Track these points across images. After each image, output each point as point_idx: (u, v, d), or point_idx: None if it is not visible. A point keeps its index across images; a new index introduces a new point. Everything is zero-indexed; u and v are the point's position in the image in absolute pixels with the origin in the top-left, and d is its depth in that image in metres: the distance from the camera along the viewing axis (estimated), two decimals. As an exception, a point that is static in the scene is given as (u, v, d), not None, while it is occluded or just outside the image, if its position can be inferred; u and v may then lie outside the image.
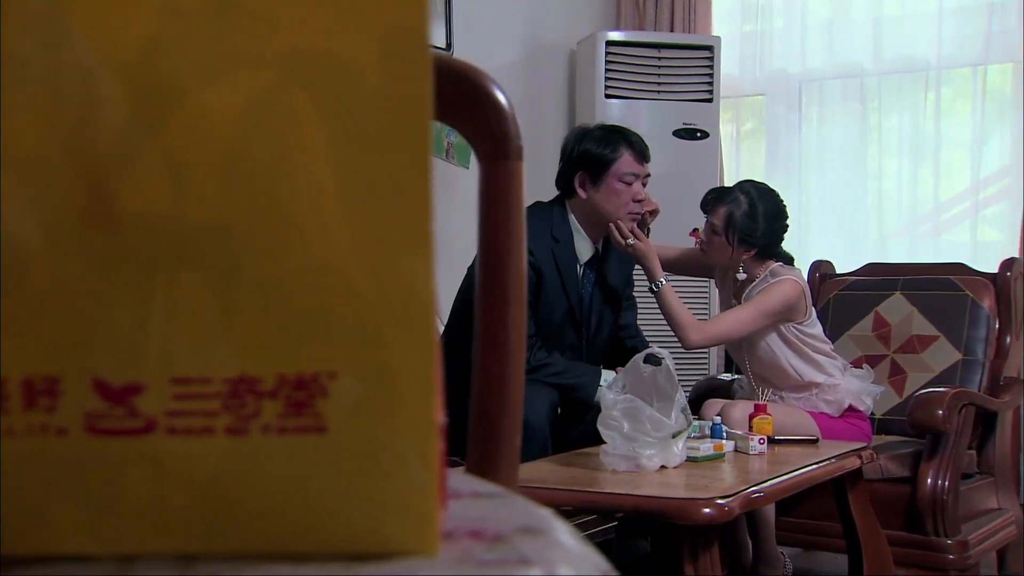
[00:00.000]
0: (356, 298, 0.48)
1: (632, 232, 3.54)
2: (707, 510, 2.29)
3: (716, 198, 3.68)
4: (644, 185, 3.57)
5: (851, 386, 3.65)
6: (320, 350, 0.48)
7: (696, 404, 3.78)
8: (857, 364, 4.00)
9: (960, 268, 4.20)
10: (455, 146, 4.90)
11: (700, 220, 5.16)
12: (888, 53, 5.54)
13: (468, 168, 4.98)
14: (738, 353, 3.78)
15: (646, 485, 2.50)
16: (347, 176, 0.48)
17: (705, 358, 5.23)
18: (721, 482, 2.53)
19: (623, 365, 3.06)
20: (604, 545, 3.77)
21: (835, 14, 5.67)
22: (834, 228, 5.70)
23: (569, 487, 2.47)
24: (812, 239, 5.66)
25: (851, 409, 3.62)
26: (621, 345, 3.72)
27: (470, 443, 0.97)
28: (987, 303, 4.03)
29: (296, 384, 0.48)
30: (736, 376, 4.07)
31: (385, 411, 0.49)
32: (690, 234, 3.78)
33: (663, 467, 2.68)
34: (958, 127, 5.45)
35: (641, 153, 3.54)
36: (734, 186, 3.76)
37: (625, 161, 3.51)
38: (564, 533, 0.54)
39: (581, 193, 3.53)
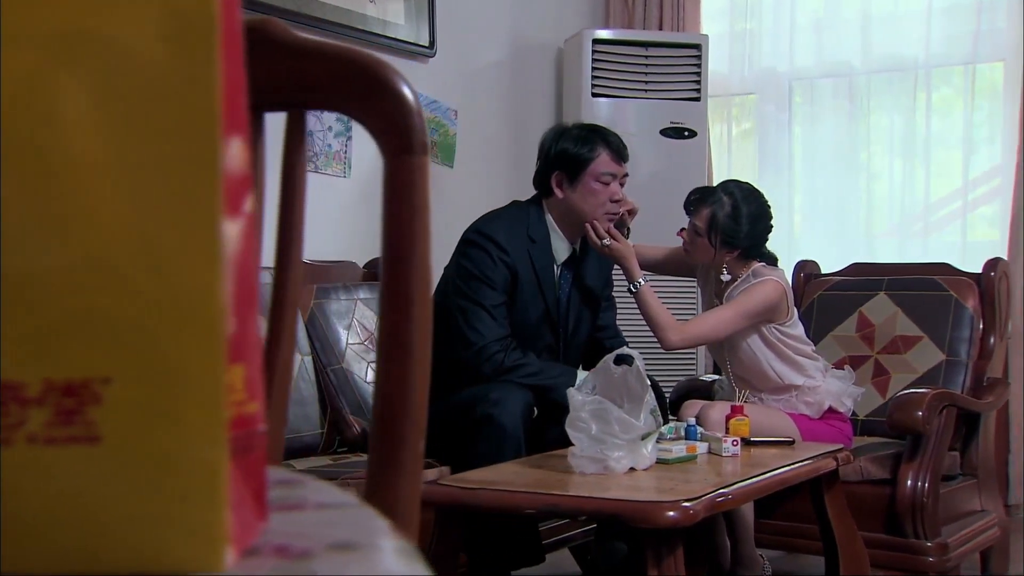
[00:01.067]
0: (132, 298, 0.45)
1: (608, 232, 3.50)
2: (671, 513, 2.26)
3: (699, 199, 3.64)
4: (622, 185, 3.53)
5: (831, 387, 3.61)
6: (91, 354, 0.45)
7: (677, 405, 3.76)
8: (841, 364, 3.97)
9: (944, 268, 4.17)
10: (438, 145, 4.87)
11: (687, 220, 5.14)
12: (877, 52, 5.51)
13: (452, 167, 4.95)
14: (719, 354, 3.74)
15: (612, 488, 2.47)
16: (123, 166, 0.44)
17: (692, 359, 5.19)
18: (688, 485, 2.49)
19: (601, 366, 3.02)
20: (583, 547, 3.74)
21: (824, 13, 5.64)
22: (824, 227, 5.67)
23: (533, 490, 2.44)
24: (802, 239, 5.63)
25: (831, 411, 3.59)
26: (600, 346, 3.68)
27: (371, 447, 0.93)
28: (971, 303, 3.99)
29: (65, 391, 0.45)
30: (717, 377, 4.04)
31: (167, 419, 0.45)
32: (677, 234, 3.74)
33: (632, 469, 2.65)
34: (948, 126, 5.42)
35: (619, 153, 3.50)
36: (717, 186, 3.72)
37: (602, 161, 3.47)
38: (388, 551, 0.51)
39: (558, 193, 3.49)
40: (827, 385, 3.61)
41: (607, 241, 3.49)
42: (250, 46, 1.00)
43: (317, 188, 4.31)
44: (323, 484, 0.67)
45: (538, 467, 2.74)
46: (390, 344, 0.94)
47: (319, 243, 4.29)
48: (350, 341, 3.86)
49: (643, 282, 3.55)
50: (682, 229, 3.72)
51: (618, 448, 2.59)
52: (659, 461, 2.76)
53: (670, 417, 3.59)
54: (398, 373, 0.94)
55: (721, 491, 2.45)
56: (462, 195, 4.83)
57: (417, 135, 0.96)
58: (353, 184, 4.47)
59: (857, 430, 3.89)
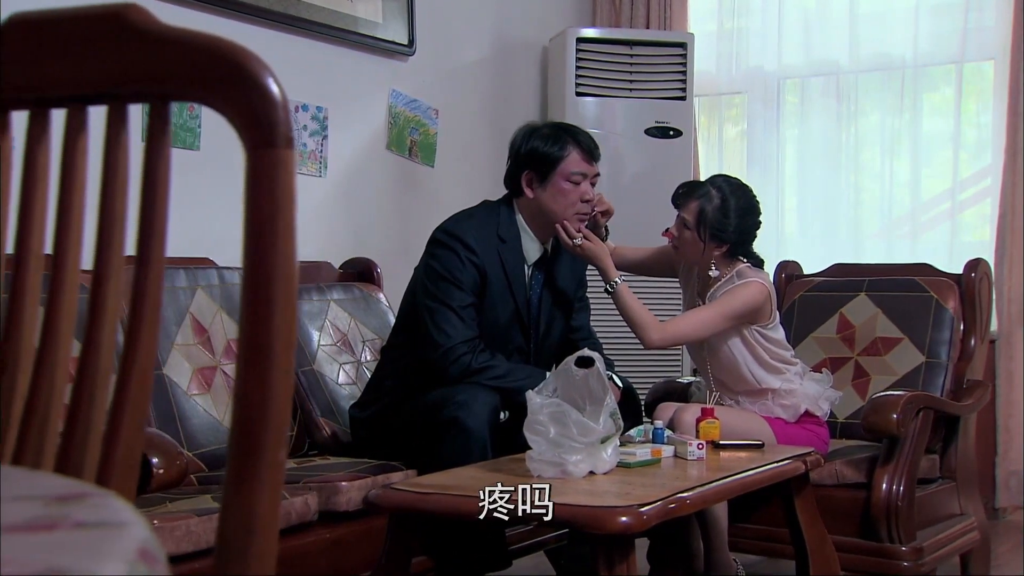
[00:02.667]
0: None
1: (580, 232, 3.45)
2: (624, 519, 2.21)
3: (687, 192, 3.57)
4: (593, 185, 3.48)
5: (808, 391, 3.55)
6: None
7: (652, 407, 3.71)
8: (822, 366, 3.92)
9: (925, 269, 4.11)
10: (419, 144, 4.82)
11: (673, 218, 5.07)
12: (865, 50, 5.46)
13: (433, 167, 4.91)
14: (698, 355, 3.68)
15: (567, 492, 2.41)
16: None
17: (677, 361, 5.14)
18: (645, 489, 2.44)
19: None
20: (556, 552, 3.69)
21: (812, 11, 5.59)
22: (814, 228, 5.63)
23: (484, 494, 2.38)
24: (791, 239, 5.59)
25: (808, 414, 3.53)
26: (573, 348, 3.62)
27: (228, 457, 0.89)
28: (951, 305, 3.94)
29: None
30: (694, 379, 3.99)
31: None
32: (663, 233, 3.68)
33: (592, 473, 2.60)
34: (938, 126, 5.37)
35: (589, 152, 3.44)
36: (706, 180, 3.65)
37: (573, 160, 3.41)
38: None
39: (528, 192, 3.44)
40: (804, 388, 3.56)
41: (579, 241, 3.44)
42: (108, 34, 0.96)
43: (292, 188, 4.28)
44: (112, 502, 0.62)
45: (497, 471, 2.69)
46: (250, 348, 0.90)
47: (294, 243, 4.25)
48: (322, 343, 3.82)
49: (619, 281, 3.49)
50: (668, 230, 3.65)
51: (576, 452, 2.55)
52: (621, 465, 2.72)
53: (644, 419, 3.54)
54: (258, 379, 0.89)
55: (678, 496, 2.40)
56: (443, 196, 4.78)
57: (281, 128, 0.91)
58: (329, 184, 4.43)
59: (836, 433, 3.85)
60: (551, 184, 3.41)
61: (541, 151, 3.42)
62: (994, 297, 4.93)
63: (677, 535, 3.48)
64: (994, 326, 4.97)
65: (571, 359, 2.76)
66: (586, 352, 2.78)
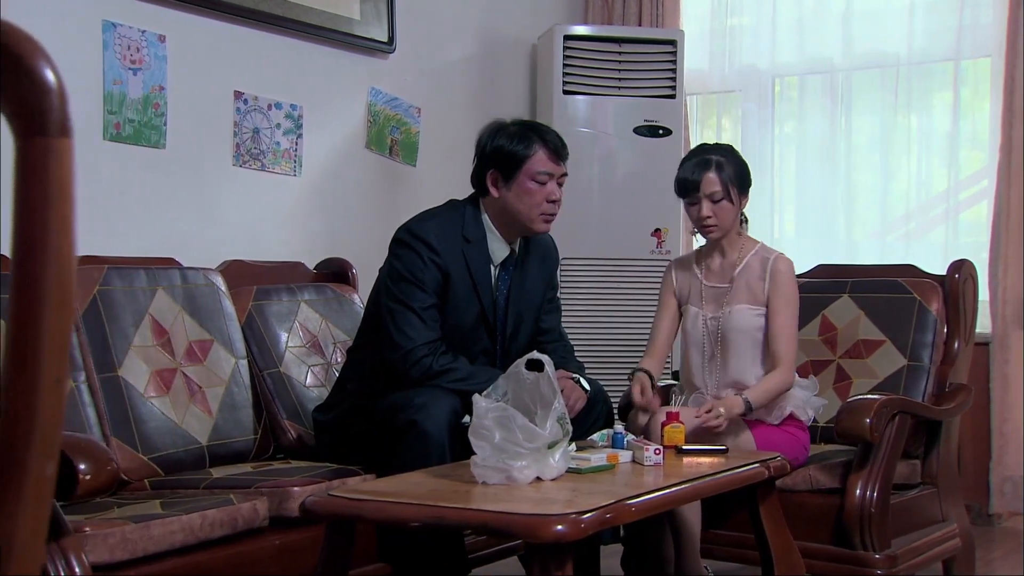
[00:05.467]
0: None
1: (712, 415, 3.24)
2: (559, 527, 2.13)
3: (698, 169, 3.46)
4: (560, 185, 3.39)
5: (795, 394, 3.46)
6: None
7: (626, 411, 3.63)
8: (803, 369, 3.83)
9: (909, 270, 4.02)
10: (400, 143, 4.76)
11: (663, 218, 4.99)
12: (859, 48, 5.38)
13: (415, 166, 4.84)
14: (699, 353, 3.53)
15: (507, 499, 2.34)
16: None
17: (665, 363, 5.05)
18: (588, 496, 2.36)
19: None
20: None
21: (806, 8, 5.51)
22: (808, 228, 5.55)
23: (420, 501, 2.31)
24: (786, 239, 5.51)
25: (792, 417, 3.43)
26: (541, 350, 3.54)
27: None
28: (935, 307, 3.84)
29: None
30: (674, 383, 3.90)
31: None
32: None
33: (539, 479, 2.52)
34: (933, 125, 5.28)
35: (556, 151, 3.36)
36: (696, 155, 3.54)
37: (539, 159, 3.33)
38: None
39: (493, 192, 3.36)
40: (792, 391, 3.46)
41: (719, 420, 3.24)
42: None
43: (266, 187, 4.22)
44: None
45: (442, 477, 2.61)
46: (17, 354, 0.83)
47: (267, 243, 4.19)
48: (290, 344, 3.76)
49: (748, 398, 3.32)
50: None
51: (521, 457, 2.47)
52: (572, 471, 2.64)
53: (617, 423, 3.47)
54: (25, 387, 0.83)
55: (621, 503, 2.32)
56: (425, 195, 4.69)
57: (54, 116, 0.84)
58: (304, 183, 4.36)
59: (816, 438, 3.76)
60: (516, 183, 3.33)
61: (507, 150, 3.34)
62: (988, 299, 4.84)
63: (648, 541, 3.40)
64: (989, 329, 4.87)
65: (521, 362, 2.68)
66: (535, 355, 2.71)
